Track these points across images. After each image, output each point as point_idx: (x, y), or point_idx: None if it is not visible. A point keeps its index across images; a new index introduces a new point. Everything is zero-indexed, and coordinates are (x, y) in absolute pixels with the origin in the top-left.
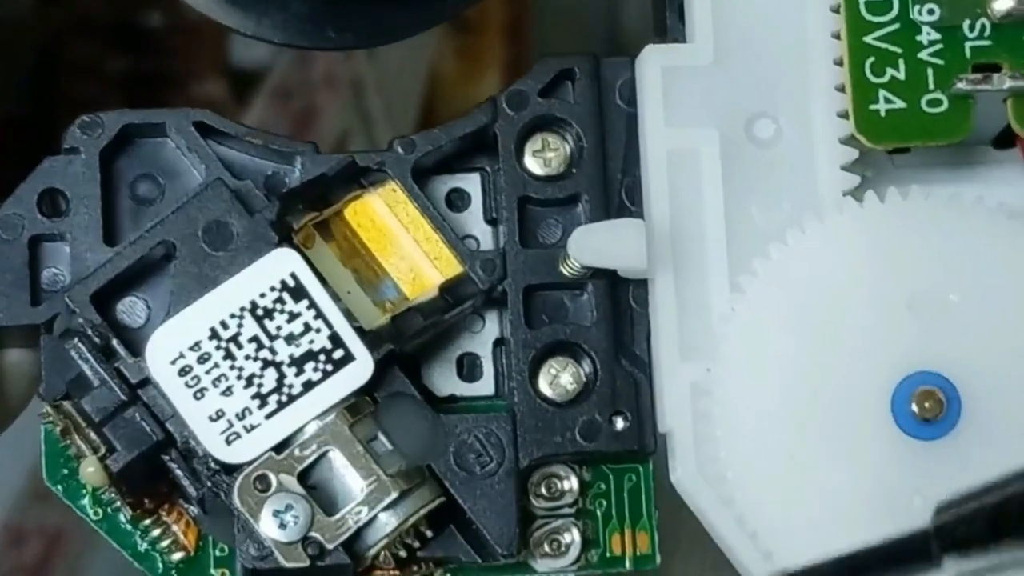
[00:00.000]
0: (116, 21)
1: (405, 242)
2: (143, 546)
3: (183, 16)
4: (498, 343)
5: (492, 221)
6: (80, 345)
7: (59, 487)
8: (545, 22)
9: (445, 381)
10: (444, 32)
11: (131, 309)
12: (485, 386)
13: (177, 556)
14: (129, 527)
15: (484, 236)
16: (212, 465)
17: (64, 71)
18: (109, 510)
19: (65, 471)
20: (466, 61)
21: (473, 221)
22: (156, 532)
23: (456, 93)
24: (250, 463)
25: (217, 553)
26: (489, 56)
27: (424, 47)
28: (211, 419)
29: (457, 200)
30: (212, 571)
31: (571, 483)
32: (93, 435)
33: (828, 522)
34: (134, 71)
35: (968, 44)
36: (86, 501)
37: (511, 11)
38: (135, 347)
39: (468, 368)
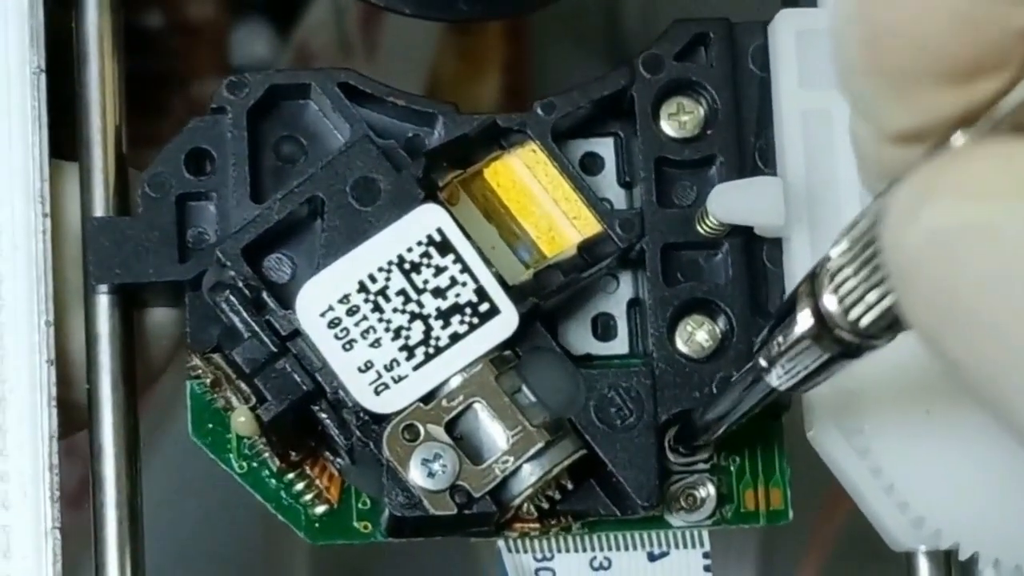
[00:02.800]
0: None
1: (544, 201)
2: (287, 499)
3: (183, 16)
4: (632, 303)
5: (626, 184)
6: (231, 298)
7: (205, 441)
8: (545, 22)
9: (581, 340)
10: (444, 32)
11: (277, 266)
12: (619, 345)
13: (320, 509)
14: (273, 481)
15: (618, 199)
16: (361, 415)
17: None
18: (254, 464)
19: (210, 425)
20: (466, 61)
21: (607, 184)
22: (300, 485)
23: (456, 93)
24: (398, 413)
25: (360, 506)
26: (489, 56)
27: (424, 47)
28: (360, 370)
29: (591, 164)
30: (355, 524)
31: None
32: (244, 386)
33: (965, 473)
34: (134, 71)
35: None
36: (231, 455)
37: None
38: (283, 302)
39: (603, 328)
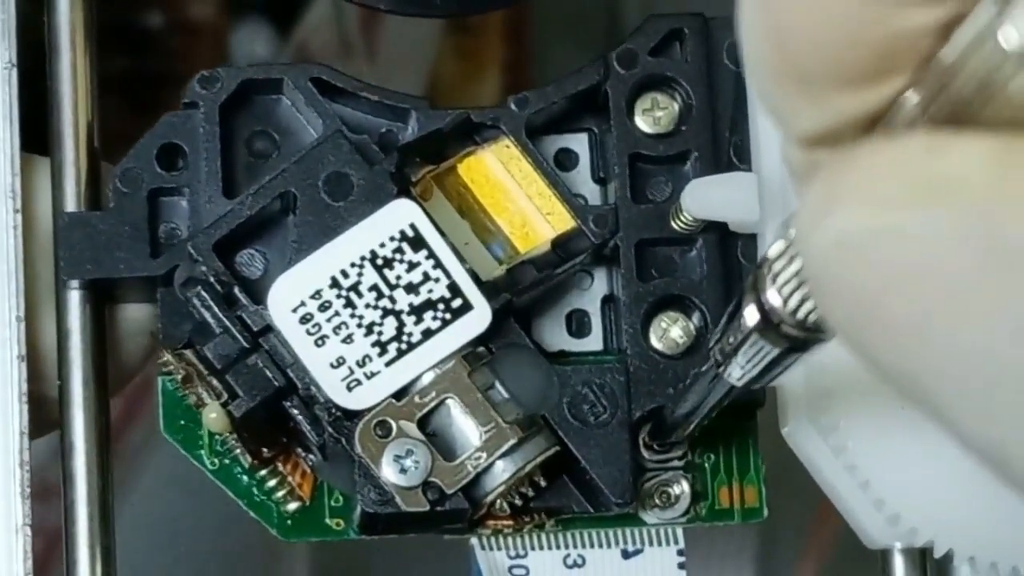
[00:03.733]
0: (116, 21)
1: (518, 197)
2: (259, 496)
3: (183, 16)
4: (606, 300)
5: (600, 180)
6: (203, 293)
7: (177, 438)
8: (545, 22)
9: (555, 337)
10: (444, 32)
11: (249, 261)
12: (594, 342)
13: (293, 506)
14: (245, 477)
15: (592, 195)
16: (333, 411)
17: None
18: (226, 460)
19: (182, 422)
20: (466, 61)
21: (581, 180)
22: (272, 482)
23: (456, 93)
24: (370, 409)
25: (332, 503)
26: (489, 56)
27: (424, 47)
28: (332, 366)
29: (565, 160)
30: (327, 520)
31: None
32: (215, 382)
33: (940, 471)
34: (134, 71)
35: None
36: (203, 452)
37: (511, 11)
38: (255, 298)
39: (577, 324)
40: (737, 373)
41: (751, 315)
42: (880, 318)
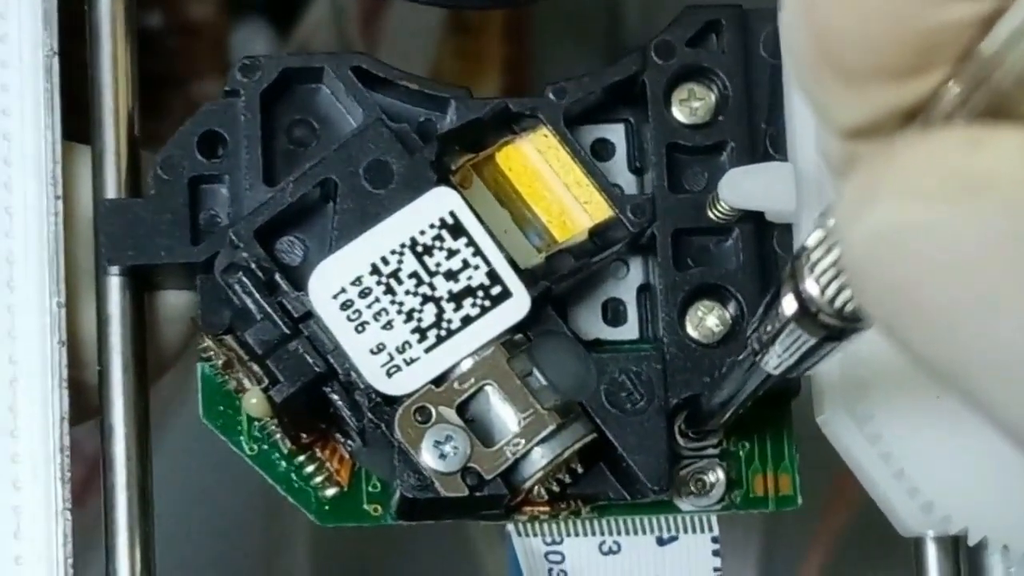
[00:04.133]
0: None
1: (555, 186)
2: (297, 482)
3: (183, 16)
4: (642, 289)
5: (637, 170)
6: (244, 279)
7: (216, 423)
8: (545, 22)
9: (591, 325)
10: (444, 32)
11: (289, 248)
12: (629, 331)
13: (331, 492)
14: (283, 463)
15: (629, 185)
16: (373, 397)
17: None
18: (264, 446)
19: (221, 407)
20: (466, 61)
21: (618, 170)
22: (310, 468)
23: None
24: (410, 395)
25: (370, 489)
26: (489, 56)
27: (425, 46)
28: (372, 352)
29: (602, 150)
30: (365, 506)
31: None
32: (256, 367)
33: (975, 459)
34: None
35: None
36: (242, 437)
37: (511, 11)
38: (295, 284)
39: (613, 313)
40: (774, 362)
41: (789, 304)
42: (917, 309)
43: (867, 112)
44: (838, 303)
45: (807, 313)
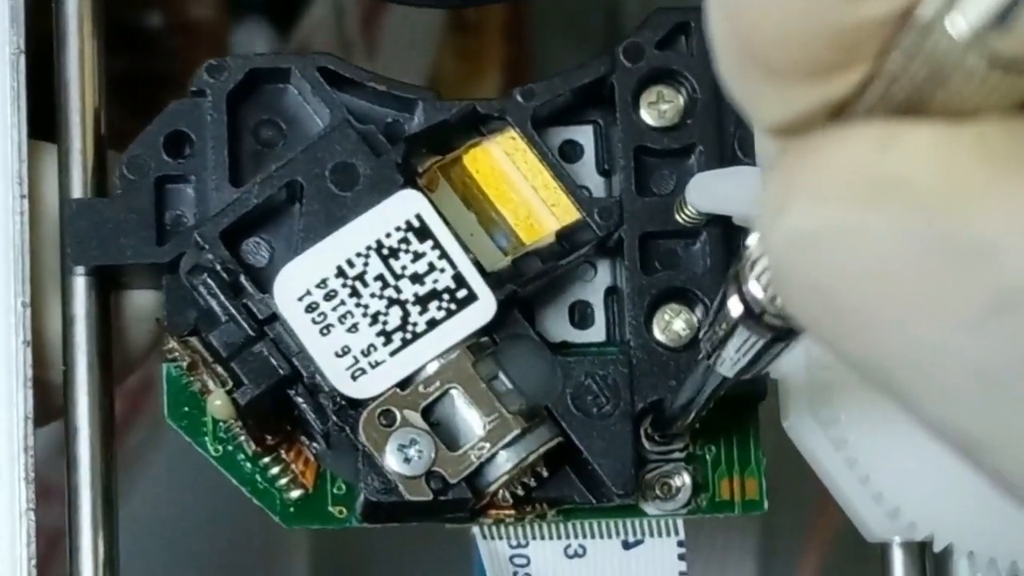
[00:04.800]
0: (116, 21)
1: (523, 189)
2: (262, 483)
3: (183, 16)
4: (610, 292)
5: (605, 172)
6: (209, 281)
7: (181, 424)
8: (545, 22)
9: (558, 328)
10: (444, 31)
11: (255, 250)
12: (596, 333)
13: (295, 494)
14: (249, 465)
15: (597, 187)
16: (338, 400)
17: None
18: (229, 447)
19: (186, 408)
20: (466, 61)
21: (586, 172)
22: (275, 470)
23: (456, 93)
24: (375, 398)
25: (335, 491)
26: (489, 56)
27: (424, 46)
28: (337, 355)
29: (570, 151)
30: (330, 508)
31: None
32: (220, 369)
33: (940, 465)
34: (134, 71)
35: None
36: (207, 438)
37: (511, 11)
38: (260, 286)
39: (580, 316)
40: (728, 364)
41: (734, 306)
42: (836, 312)
43: (792, 109)
44: (780, 304)
45: (752, 314)
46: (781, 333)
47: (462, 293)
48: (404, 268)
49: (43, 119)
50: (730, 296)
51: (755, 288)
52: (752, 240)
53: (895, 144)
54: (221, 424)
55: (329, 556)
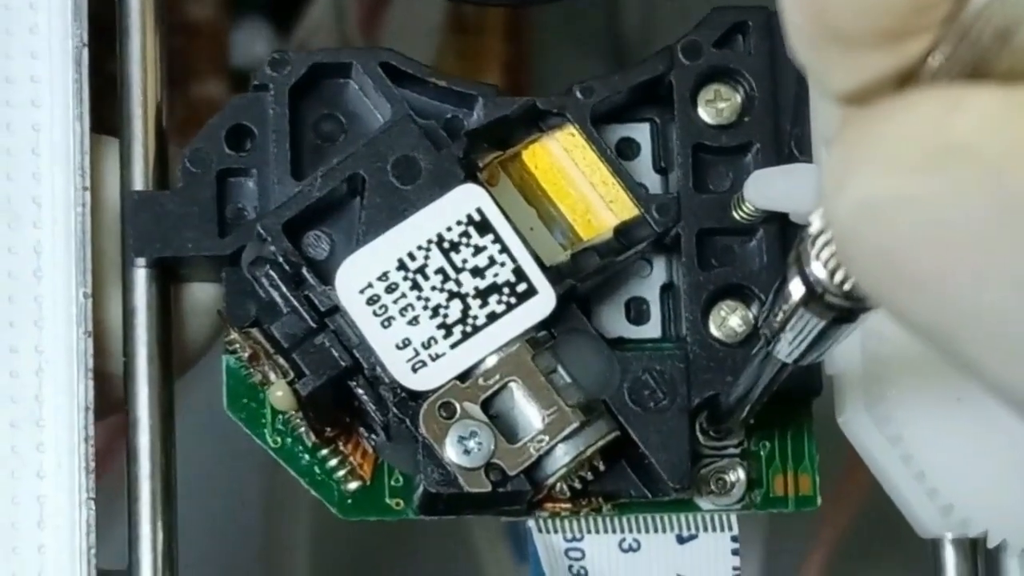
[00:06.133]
0: (116, 21)
1: (581, 185)
2: (320, 475)
3: (183, 16)
4: (665, 288)
5: (662, 170)
6: (271, 273)
7: (240, 416)
8: (545, 22)
9: (614, 324)
10: (445, 32)
11: (316, 242)
12: (652, 329)
13: (353, 485)
14: (307, 456)
15: (654, 185)
16: (398, 392)
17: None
18: (288, 439)
19: (245, 400)
20: (466, 61)
21: (643, 170)
22: (334, 462)
23: None
24: (435, 391)
25: (392, 483)
26: (489, 56)
27: (424, 47)
28: (398, 347)
29: (627, 149)
30: (387, 500)
31: None
32: (281, 361)
33: (995, 461)
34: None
35: None
36: (266, 430)
37: (511, 11)
38: (322, 278)
39: (636, 312)
40: (786, 349)
41: (796, 288)
42: (906, 279)
43: (863, 76)
44: (844, 284)
45: (814, 296)
46: (842, 314)
47: (522, 287)
48: (465, 262)
49: (105, 112)
50: (791, 279)
51: (818, 269)
52: (816, 220)
53: (960, 108)
54: (280, 416)
55: (331, 557)
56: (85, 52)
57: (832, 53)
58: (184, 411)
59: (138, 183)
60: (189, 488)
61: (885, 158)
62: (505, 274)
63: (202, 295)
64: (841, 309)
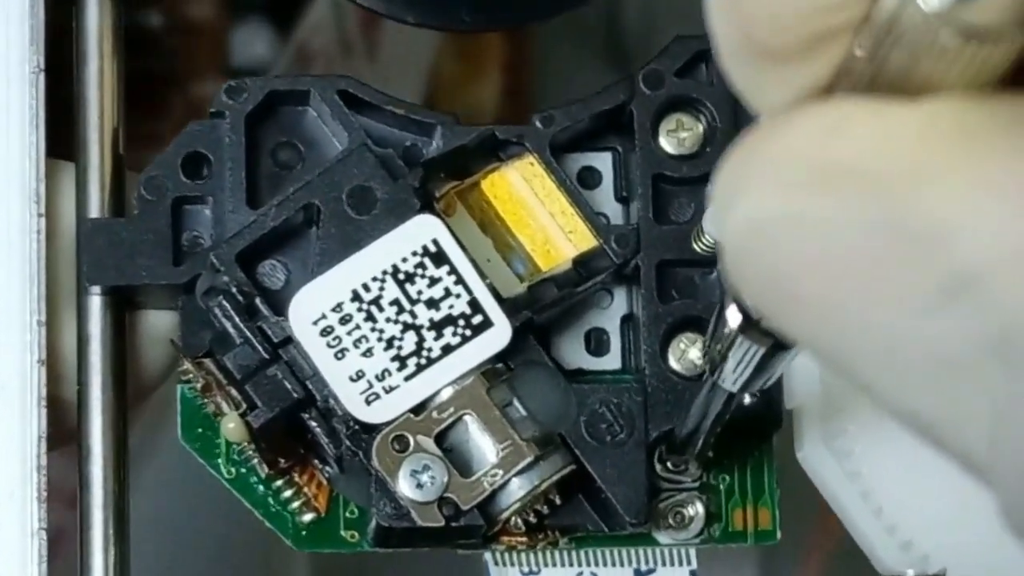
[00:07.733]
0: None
1: (540, 215)
2: (274, 506)
3: (183, 16)
4: (626, 319)
5: (623, 199)
6: (224, 303)
7: (194, 446)
8: (545, 26)
9: (573, 355)
10: (445, 34)
11: (272, 272)
12: (612, 361)
13: (308, 517)
14: (261, 487)
15: (615, 214)
16: (351, 424)
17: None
18: (242, 469)
19: (200, 430)
20: (466, 61)
21: (604, 199)
22: (288, 493)
23: (456, 93)
24: (388, 423)
25: (347, 515)
26: (489, 56)
27: (425, 48)
28: (351, 379)
29: (589, 178)
30: (342, 532)
31: None
32: (234, 392)
33: (955, 498)
34: (134, 71)
35: None
36: (220, 460)
37: None
38: (276, 309)
39: (596, 343)
40: (730, 378)
41: (732, 315)
42: (793, 301)
43: (788, 91)
44: None
45: (751, 323)
46: (781, 340)
47: (477, 319)
48: (420, 293)
49: (61, 137)
50: (728, 306)
51: None
52: None
53: (844, 128)
54: (235, 446)
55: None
56: (42, 77)
57: (757, 69)
58: (140, 441)
59: (94, 209)
60: (142, 518)
61: (771, 177)
62: (460, 306)
63: (159, 323)
64: (778, 335)
